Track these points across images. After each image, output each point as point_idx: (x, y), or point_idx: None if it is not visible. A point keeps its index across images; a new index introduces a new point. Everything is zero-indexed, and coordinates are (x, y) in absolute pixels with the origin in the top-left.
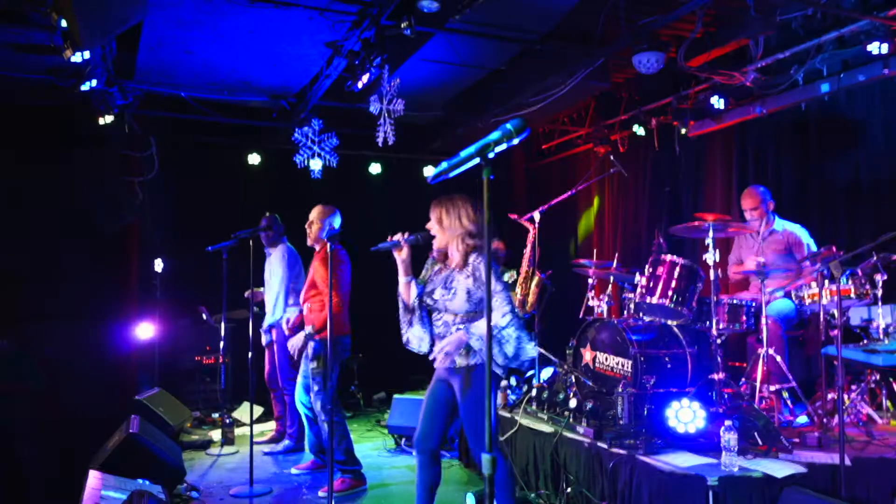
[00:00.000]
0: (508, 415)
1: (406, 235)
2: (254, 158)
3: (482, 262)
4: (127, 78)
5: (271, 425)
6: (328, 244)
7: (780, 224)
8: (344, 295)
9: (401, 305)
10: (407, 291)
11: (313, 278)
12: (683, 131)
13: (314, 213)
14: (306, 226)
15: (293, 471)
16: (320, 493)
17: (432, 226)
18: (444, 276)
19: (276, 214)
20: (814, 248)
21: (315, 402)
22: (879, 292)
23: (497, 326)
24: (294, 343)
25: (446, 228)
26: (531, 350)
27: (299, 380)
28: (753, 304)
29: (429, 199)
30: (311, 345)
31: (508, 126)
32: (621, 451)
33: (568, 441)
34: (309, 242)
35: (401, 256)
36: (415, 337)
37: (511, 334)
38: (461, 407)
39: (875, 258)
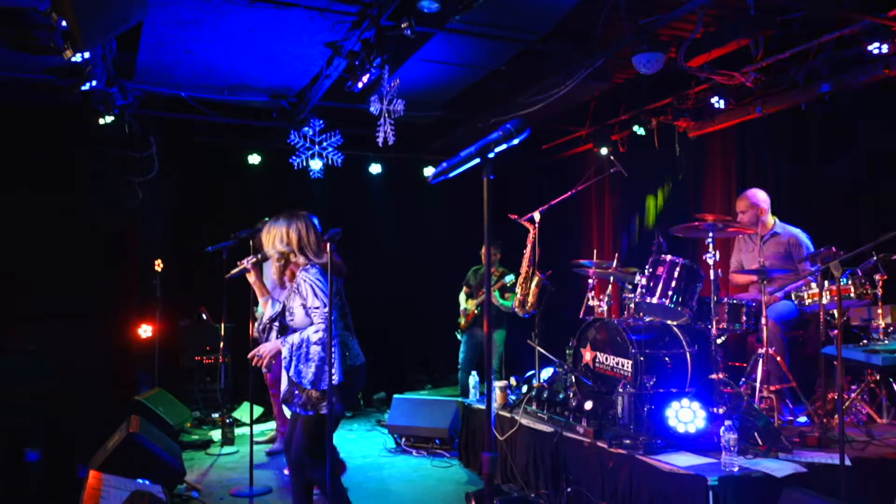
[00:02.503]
0: (508, 415)
1: (248, 259)
2: (254, 158)
3: (303, 278)
4: (127, 78)
5: (272, 425)
6: (328, 245)
7: (781, 226)
8: None
9: (258, 324)
10: (264, 310)
11: None
12: (686, 126)
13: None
14: None
15: (286, 472)
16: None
17: None
18: (285, 296)
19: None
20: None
21: None
22: (879, 292)
23: (307, 340)
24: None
25: (267, 253)
26: (334, 376)
27: None
28: (753, 304)
29: (429, 199)
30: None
31: (508, 126)
32: (621, 451)
33: (568, 441)
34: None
35: (251, 279)
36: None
37: (315, 353)
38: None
39: (875, 258)
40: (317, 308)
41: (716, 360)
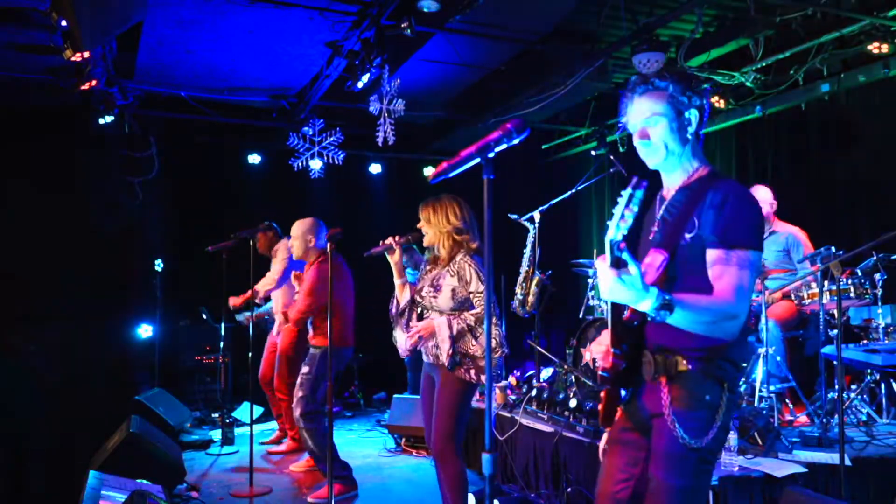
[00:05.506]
0: (508, 414)
1: (398, 238)
2: (254, 158)
3: (467, 262)
4: (127, 78)
5: (272, 425)
6: (329, 244)
7: (781, 225)
8: (348, 307)
9: (392, 308)
10: (402, 293)
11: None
12: None
13: (298, 229)
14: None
15: (292, 468)
16: (309, 500)
17: (423, 226)
18: (433, 275)
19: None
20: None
21: (295, 408)
22: (879, 292)
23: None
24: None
25: (434, 227)
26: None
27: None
28: (753, 304)
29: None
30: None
31: (508, 126)
32: None
33: (568, 441)
34: (297, 256)
35: (393, 259)
36: (401, 338)
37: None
38: (434, 401)
39: (874, 258)
40: (483, 292)
41: None
